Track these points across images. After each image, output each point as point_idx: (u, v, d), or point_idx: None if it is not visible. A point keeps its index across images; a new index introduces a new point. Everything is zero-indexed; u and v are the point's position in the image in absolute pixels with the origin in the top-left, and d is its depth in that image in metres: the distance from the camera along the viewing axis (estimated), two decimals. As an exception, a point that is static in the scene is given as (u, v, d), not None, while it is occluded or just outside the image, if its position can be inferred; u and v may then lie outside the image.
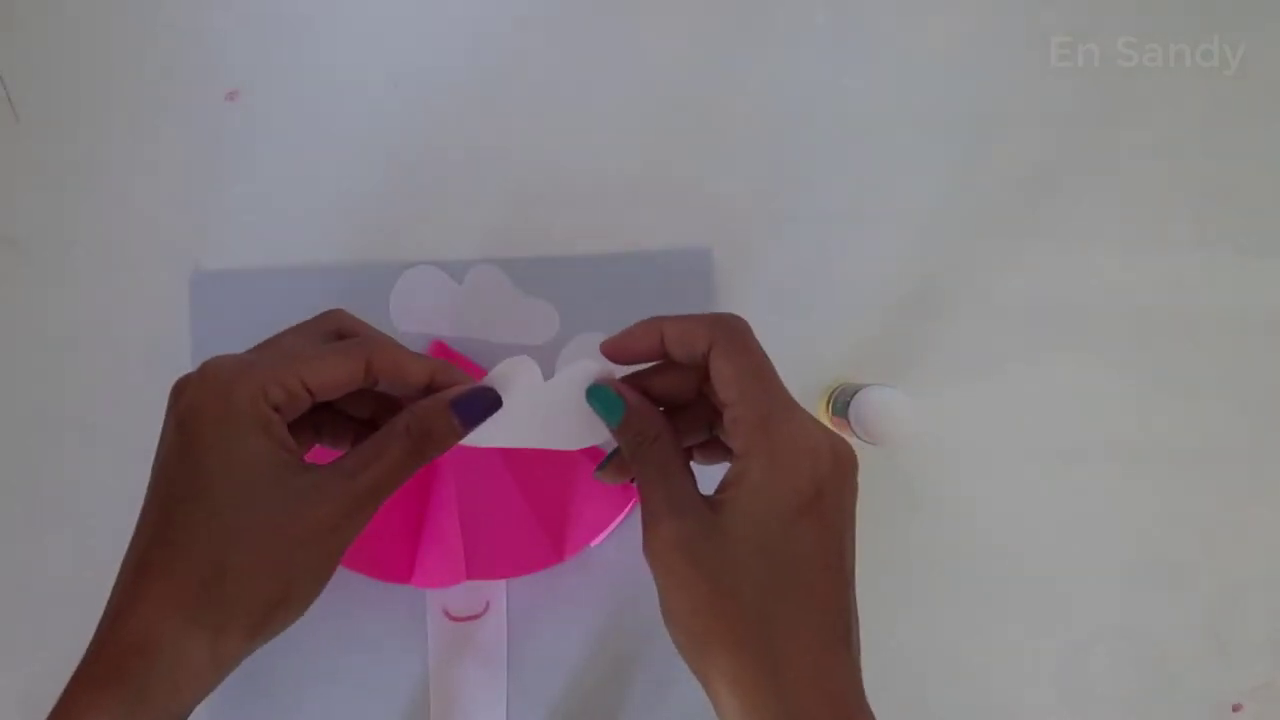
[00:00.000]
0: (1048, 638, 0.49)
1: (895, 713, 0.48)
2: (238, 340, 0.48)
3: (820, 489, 0.32)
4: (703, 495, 0.33)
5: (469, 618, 0.48)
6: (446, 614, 0.47)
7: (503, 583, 0.48)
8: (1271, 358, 0.50)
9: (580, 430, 0.36)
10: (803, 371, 0.49)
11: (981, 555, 0.49)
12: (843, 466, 0.33)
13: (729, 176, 0.50)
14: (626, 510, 0.47)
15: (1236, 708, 0.49)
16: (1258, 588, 0.49)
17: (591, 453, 0.48)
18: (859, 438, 0.42)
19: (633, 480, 0.35)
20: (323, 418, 0.37)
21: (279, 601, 0.33)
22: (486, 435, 0.36)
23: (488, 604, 0.47)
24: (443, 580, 0.46)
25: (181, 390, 0.35)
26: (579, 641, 0.47)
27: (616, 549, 0.48)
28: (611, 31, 0.51)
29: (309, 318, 0.37)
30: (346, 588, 0.47)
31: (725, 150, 0.50)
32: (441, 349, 0.48)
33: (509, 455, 0.47)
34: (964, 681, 0.48)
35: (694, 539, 0.32)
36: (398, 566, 0.47)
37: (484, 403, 0.36)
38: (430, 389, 0.36)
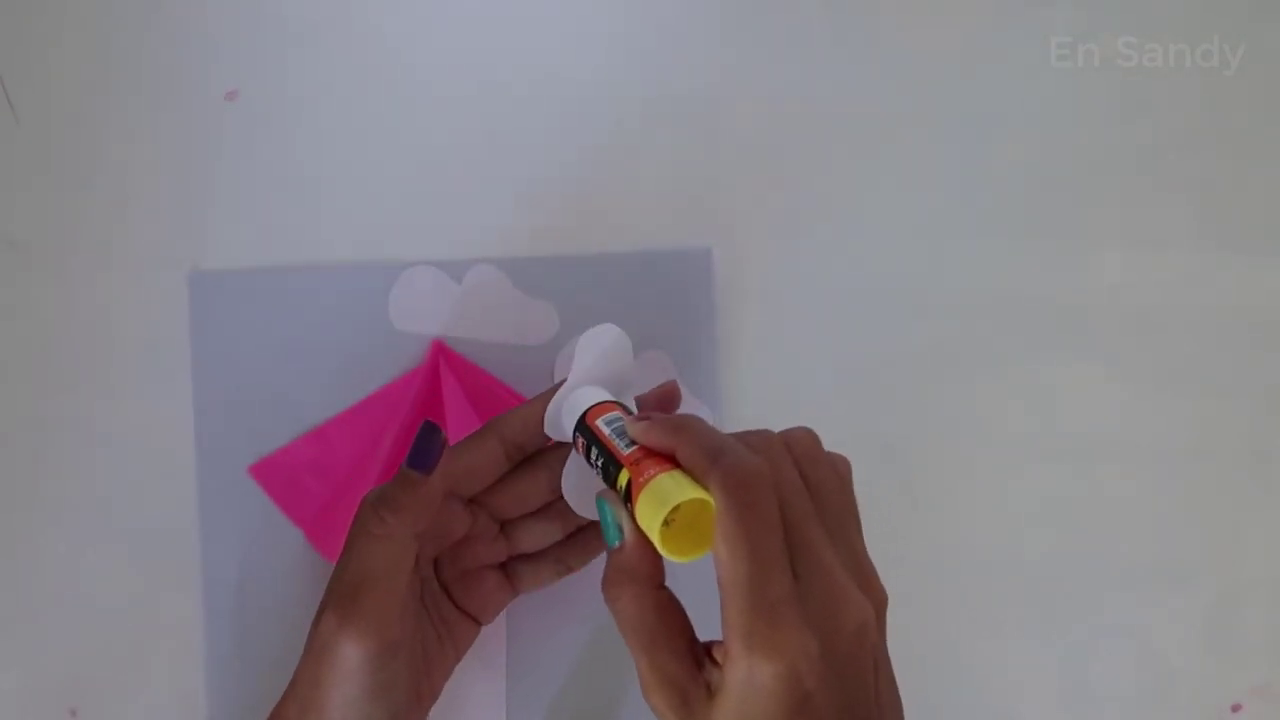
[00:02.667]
0: (1047, 638, 0.49)
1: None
2: (237, 340, 0.48)
3: (806, 697, 0.29)
4: (697, 658, 0.32)
5: (469, 618, 0.47)
6: (446, 614, 0.47)
7: (502, 583, 0.47)
8: (1271, 358, 0.50)
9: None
10: (803, 369, 0.49)
11: (981, 555, 0.49)
12: (839, 670, 0.30)
13: (729, 176, 0.50)
14: (626, 510, 0.47)
15: (1236, 708, 0.49)
16: (1258, 588, 0.49)
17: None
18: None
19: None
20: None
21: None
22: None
23: (487, 604, 0.47)
24: (442, 580, 0.46)
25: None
26: (579, 641, 0.47)
27: (616, 549, 0.48)
28: (611, 31, 0.51)
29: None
30: (346, 588, 0.47)
31: (725, 150, 0.50)
32: (441, 349, 0.48)
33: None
34: (963, 681, 0.48)
35: None
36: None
37: (428, 441, 0.36)
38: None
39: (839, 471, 0.34)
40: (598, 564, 0.46)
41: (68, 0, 0.50)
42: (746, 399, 0.49)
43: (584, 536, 0.40)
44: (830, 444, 0.51)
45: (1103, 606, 0.49)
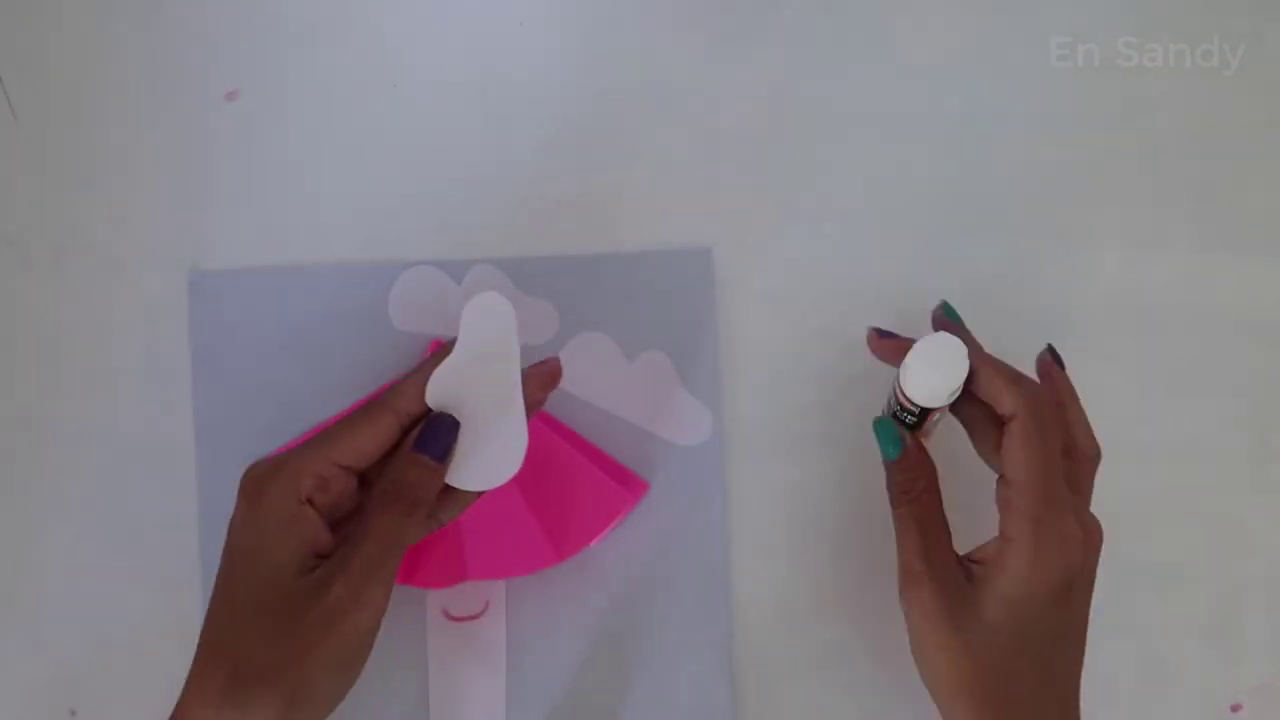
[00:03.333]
0: (1048, 638, 0.49)
1: (896, 714, 0.48)
2: (237, 340, 0.48)
3: (1071, 582, 0.37)
4: (958, 558, 0.39)
5: (468, 618, 0.48)
6: (446, 614, 0.47)
7: (502, 583, 0.47)
8: (1271, 357, 0.50)
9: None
10: (803, 369, 0.49)
11: (981, 555, 0.49)
12: (1092, 559, 0.38)
13: (729, 176, 0.50)
14: (627, 510, 0.47)
15: (1236, 708, 0.49)
16: (1258, 588, 0.49)
17: (591, 453, 0.48)
18: (913, 402, 0.40)
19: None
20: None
21: (300, 699, 0.34)
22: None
23: (487, 604, 0.47)
24: (442, 580, 0.46)
25: (238, 492, 0.37)
26: (579, 641, 0.47)
27: (616, 549, 0.48)
28: (611, 31, 0.51)
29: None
30: (346, 588, 0.47)
31: (725, 150, 0.50)
32: (441, 349, 0.48)
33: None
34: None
35: (953, 608, 0.37)
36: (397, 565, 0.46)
37: (444, 430, 0.37)
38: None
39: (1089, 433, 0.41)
40: (605, 585, 0.47)
41: (67, 0, 0.50)
42: (746, 399, 0.49)
43: (455, 493, 0.40)
44: (833, 444, 0.51)
45: (1103, 606, 0.49)
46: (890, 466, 0.40)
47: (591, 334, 0.49)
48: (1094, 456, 0.40)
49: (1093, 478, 0.40)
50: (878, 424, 0.41)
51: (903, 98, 0.50)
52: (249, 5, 0.50)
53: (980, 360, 0.38)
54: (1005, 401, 0.37)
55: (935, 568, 0.37)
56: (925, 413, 0.40)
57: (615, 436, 0.48)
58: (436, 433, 0.37)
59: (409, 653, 0.47)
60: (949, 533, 0.39)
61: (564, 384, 0.48)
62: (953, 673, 0.36)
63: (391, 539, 0.35)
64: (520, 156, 0.50)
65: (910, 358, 0.40)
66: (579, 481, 0.47)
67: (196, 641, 0.35)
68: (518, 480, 0.47)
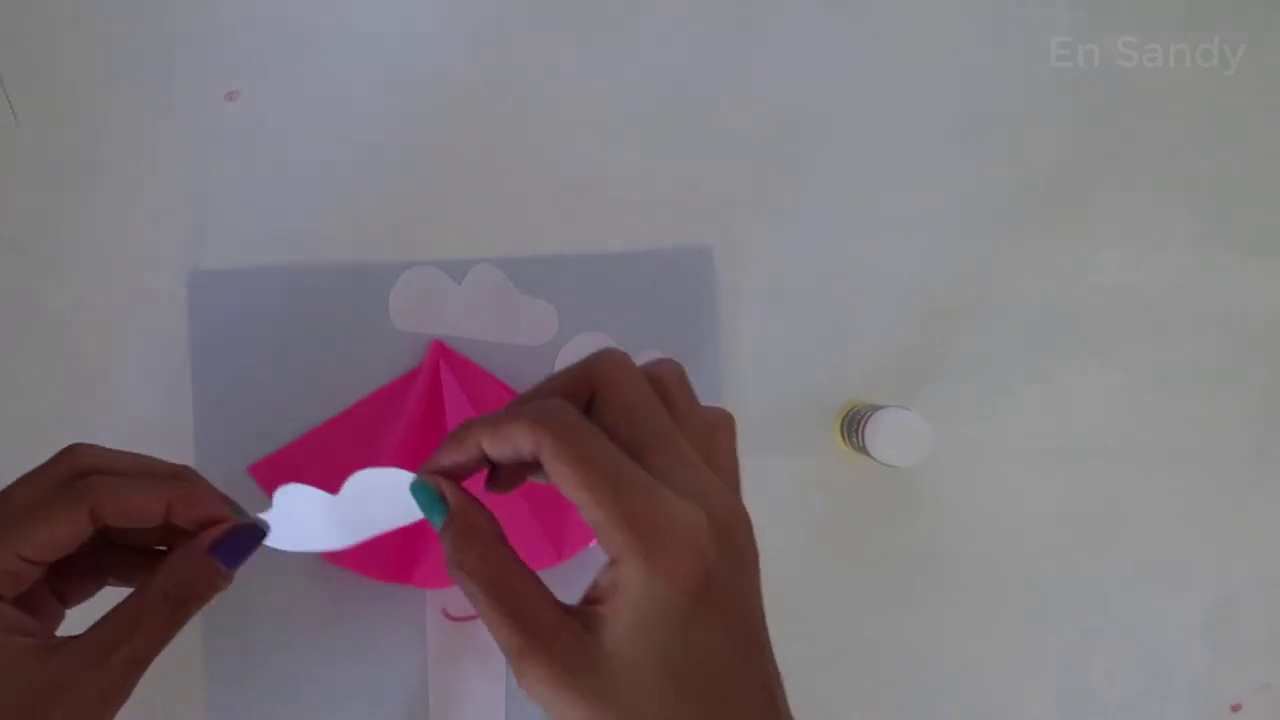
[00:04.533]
0: (1047, 638, 0.49)
1: (896, 713, 0.48)
2: (237, 340, 0.48)
3: (709, 576, 0.28)
4: (566, 607, 0.29)
5: (468, 617, 0.48)
6: (446, 614, 0.47)
7: (502, 583, 0.47)
8: (1271, 357, 0.50)
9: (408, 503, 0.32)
10: (803, 370, 0.49)
11: (982, 555, 0.49)
12: (730, 539, 0.29)
13: (729, 176, 0.50)
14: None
15: (1236, 708, 0.49)
16: (1258, 588, 0.49)
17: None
18: (876, 460, 0.42)
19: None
20: (107, 558, 0.34)
21: None
22: (301, 541, 0.33)
23: (487, 604, 0.47)
24: (442, 580, 0.46)
25: None
26: (579, 641, 0.47)
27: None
28: (611, 31, 0.51)
29: (45, 462, 0.34)
30: (346, 587, 0.47)
31: (725, 150, 0.50)
32: (441, 349, 0.48)
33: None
34: (964, 681, 0.48)
35: (576, 671, 0.27)
36: (397, 566, 0.47)
37: (248, 539, 0.33)
38: (171, 522, 0.33)
39: (677, 372, 0.32)
40: (600, 566, 0.46)
41: (67, 1, 0.50)
42: (747, 399, 0.49)
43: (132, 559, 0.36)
44: (832, 444, 0.51)
45: (1103, 606, 0.49)
46: (442, 537, 0.31)
47: (591, 334, 0.49)
48: (713, 424, 0.32)
49: (724, 441, 0.32)
50: (413, 488, 0.32)
51: (903, 98, 0.50)
52: (249, 5, 0.50)
53: (483, 431, 0.30)
54: (524, 441, 0.29)
55: (537, 633, 0.28)
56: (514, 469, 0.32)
57: (615, 436, 0.48)
58: (242, 543, 0.33)
59: (409, 653, 0.47)
60: (538, 581, 0.29)
61: (564, 384, 0.48)
62: None
63: (161, 641, 0.32)
64: (520, 157, 0.50)
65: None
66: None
67: (191, 645, 0.33)
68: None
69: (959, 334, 0.49)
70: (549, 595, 0.29)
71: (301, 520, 0.33)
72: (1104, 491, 0.49)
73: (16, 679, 0.30)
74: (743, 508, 0.30)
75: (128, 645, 0.31)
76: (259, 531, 0.34)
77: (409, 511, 0.32)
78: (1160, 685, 0.48)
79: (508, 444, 0.29)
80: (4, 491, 0.33)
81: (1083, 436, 0.49)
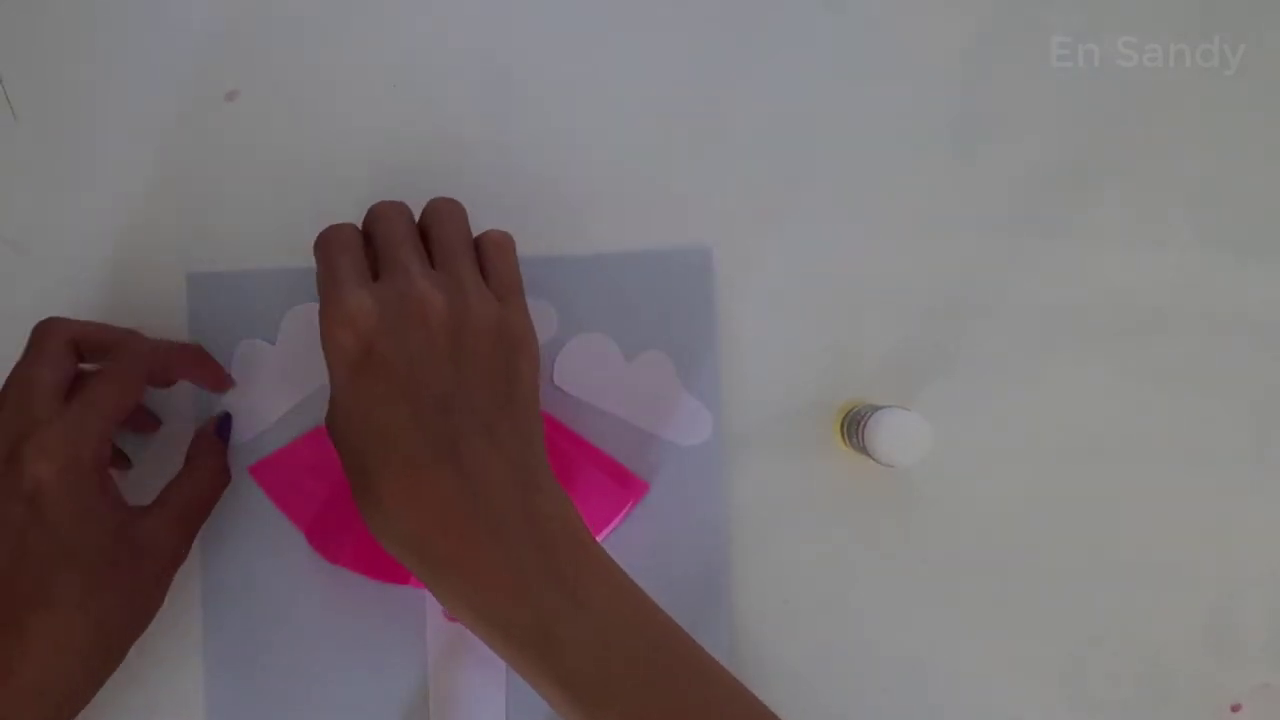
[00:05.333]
0: (1047, 638, 0.49)
1: (895, 713, 0.48)
2: (237, 340, 0.48)
3: (369, 342, 0.36)
4: None
5: (469, 618, 0.47)
6: (446, 614, 0.47)
7: (502, 583, 0.47)
8: (1271, 357, 0.50)
9: None
10: (803, 370, 0.49)
11: (982, 555, 0.49)
12: (408, 314, 0.37)
13: (729, 176, 0.50)
14: (626, 510, 0.47)
15: (1236, 708, 0.49)
16: (1258, 588, 0.49)
17: (590, 453, 0.48)
18: (876, 460, 0.42)
19: None
20: None
21: (140, 625, 0.41)
22: None
23: (487, 604, 0.47)
24: (442, 580, 0.46)
25: (19, 459, 0.38)
26: (579, 642, 0.47)
27: (616, 550, 0.47)
28: (611, 31, 0.51)
29: (31, 348, 0.41)
30: (346, 588, 0.47)
31: (725, 150, 0.50)
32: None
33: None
34: (964, 681, 0.48)
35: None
36: (397, 567, 0.46)
37: (226, 421, 0.47)
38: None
39: (456, 219, 0.42)
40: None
41: (68, 1, 0.50)
42: (746, 399, 0.49)
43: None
44: (832, 444, 0.51)
45: (1103, 606, 0.49)
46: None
47: (591, 334, 0.49)
48: (451, 225, 0.42)
49: (495, 257, 0.42)
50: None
51: (902, 98, 0.50)
52: (249, 5, 0.50)
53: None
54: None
55: None
56: None
57: (615, 437, 0.48)
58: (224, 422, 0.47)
59: (409, 653, 0.47)
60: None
61: (564, 384, 0.48)
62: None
63: (210, 505, 0.45)
64: (520, 157, 0.50)
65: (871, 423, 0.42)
66: (578, 482, 0.47)
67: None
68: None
69: (959, 334, 0.49)
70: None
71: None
72: (1104, 491, 0.49)
73: (124, 538, 0.39)
74: (439, 313, 0.37)
75: (198, 503, 0.44)
76: (229, 416, 0.47)
77: None
78: (1160, 685, 0.48)
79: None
80: (25, 375, 0.40)
81: (1083, 437, 0.49)
